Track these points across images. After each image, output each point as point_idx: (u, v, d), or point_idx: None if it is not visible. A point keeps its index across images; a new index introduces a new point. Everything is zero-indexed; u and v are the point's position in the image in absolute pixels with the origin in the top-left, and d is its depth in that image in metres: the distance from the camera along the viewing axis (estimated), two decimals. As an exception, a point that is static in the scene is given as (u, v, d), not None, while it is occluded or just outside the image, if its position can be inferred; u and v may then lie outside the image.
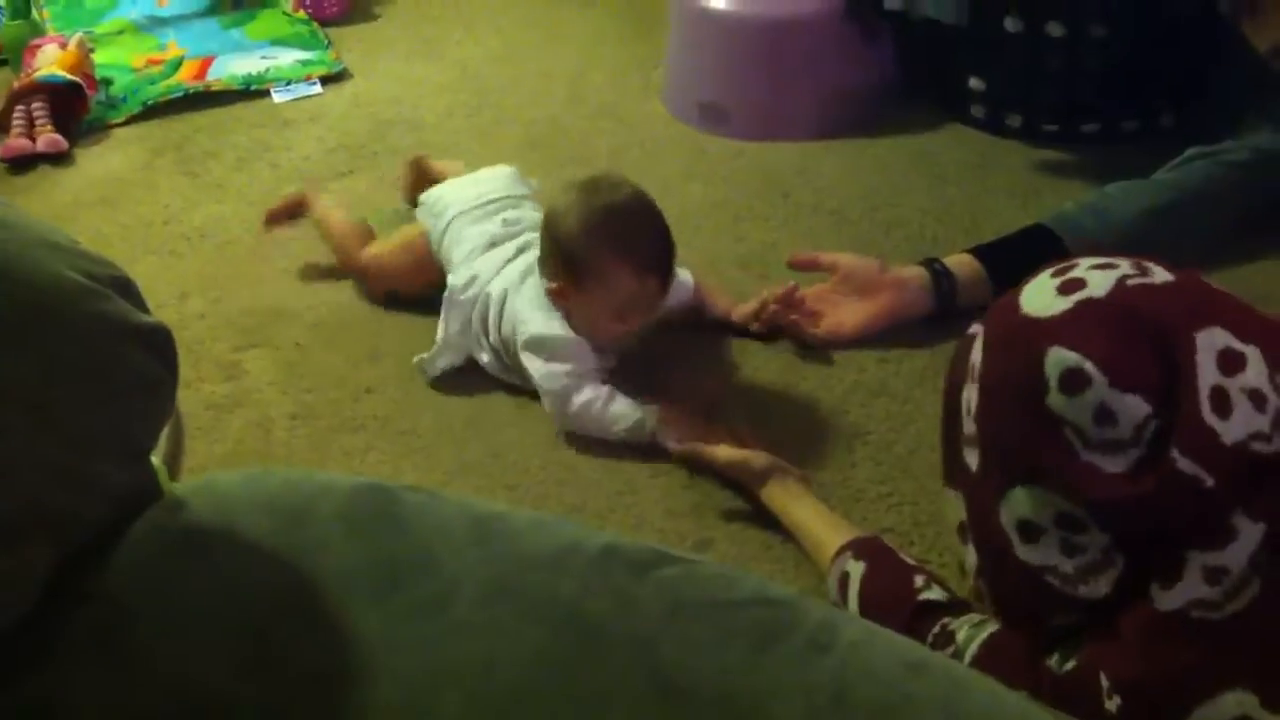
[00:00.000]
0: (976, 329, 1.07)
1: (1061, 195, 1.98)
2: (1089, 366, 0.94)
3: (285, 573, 0.75)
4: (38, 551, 0.71)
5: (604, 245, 1.54)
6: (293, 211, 1.97)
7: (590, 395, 1.58)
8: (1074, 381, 0.94)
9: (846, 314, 1.72)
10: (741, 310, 1.74)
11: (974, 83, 2.18)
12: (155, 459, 1.51)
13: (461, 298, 1.67)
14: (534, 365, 1.61)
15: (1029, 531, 1.00)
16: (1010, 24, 2.08)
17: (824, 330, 1.72)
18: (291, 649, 0.72)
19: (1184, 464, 0.92)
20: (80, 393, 0.73)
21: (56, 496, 0.71)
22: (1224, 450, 0.92)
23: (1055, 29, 2.05)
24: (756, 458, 1.48)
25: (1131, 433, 0.93)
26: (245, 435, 1.65)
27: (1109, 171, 1.90)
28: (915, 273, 1.73)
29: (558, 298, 1.59)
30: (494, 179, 1.82)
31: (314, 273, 1.94)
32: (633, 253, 1.54)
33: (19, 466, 0.69)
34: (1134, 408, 0.93)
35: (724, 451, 1.50)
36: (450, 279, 1.69)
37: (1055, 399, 0.95)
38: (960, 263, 1.74)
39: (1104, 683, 0.99)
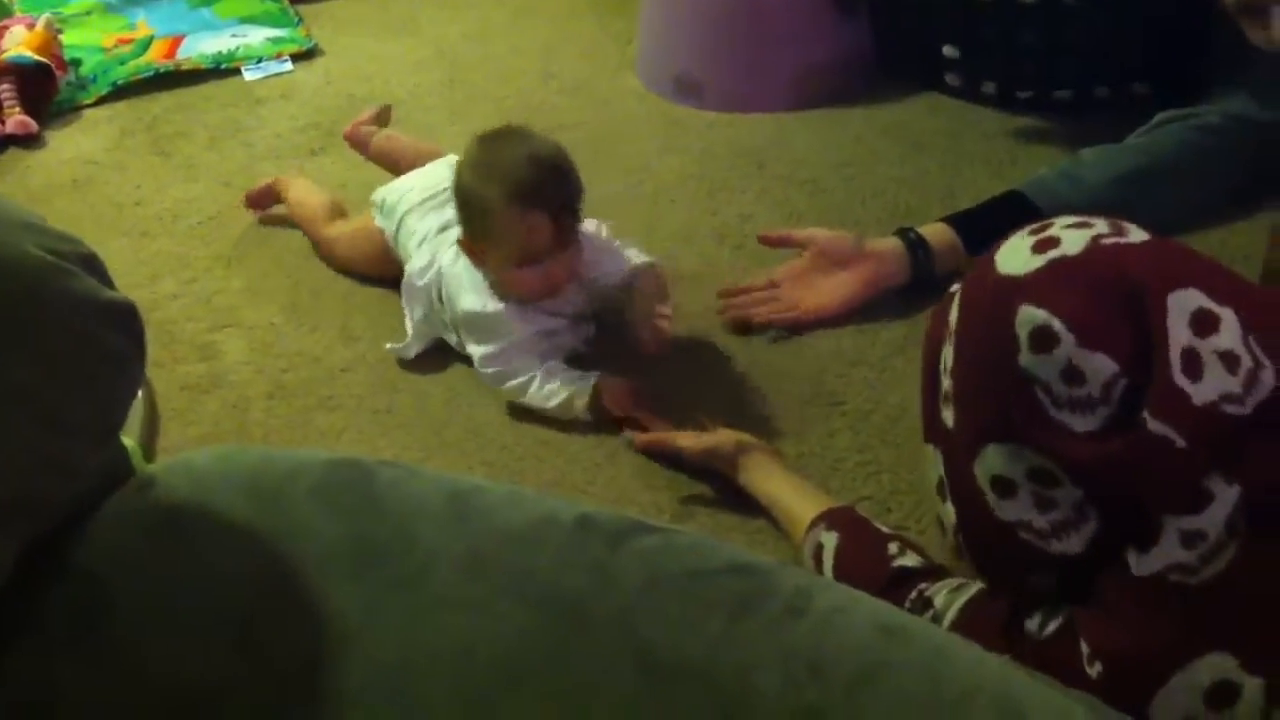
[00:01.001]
0: (956, 288, 1.07)
1: (1037, 162, 1.98)
2: (1057, 324, 0.94)
3: (262, 552, 0.75)
4: (12, 534, 0.70)
5: (486, 186, 1.53)
6: (270, 196, 1.98)
7: (524, 379, 1.58)
8: (1042, 339, 0.94)
9: (827, 290, 1.71)
10: (645, 341, 1.60)
11: (948, 51, 2.18)
12: (130, 441, 1.51)
13: (419, 284, 1.67)
14: (470, 347, 1.62)
15: (1003, 487, 1.00)
16: (985, -8, 2.08)
17: (807, 310, 1.71)
18: (272, 631, 0.72)
19: (1154, 425, 0.92)
20: (47, 370, 0.72)
21: (26, 475, 0.71)
22: (1194, 411, 0.92)
23: (1029, -3, 2.05)
24: (722, 441, 1.47)
25: (1100, 391, 0.93)
26: (221, 416, 1.64)
27: (1084, 138, 1.89)
28: (891, 243, 1.73)
29: (468, 253, 1.59)
30: (441, 171, 1.80)
31: (287, 251, 1.93)
32: (512, 189, 1.52)
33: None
34: (1101, 366, 0.93)
35: (687, 439, 1.49)
36: (407, 266, 1.69)
37: (1025, 357, 0.95)
38: (935, 231, 1.74)
39: (1084, 649, 0.99)
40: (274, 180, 1.99)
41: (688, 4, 2.24)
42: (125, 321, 0.79)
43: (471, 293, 1.60)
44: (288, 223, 1.96)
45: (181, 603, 0.73)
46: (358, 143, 2.00)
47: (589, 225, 1.63)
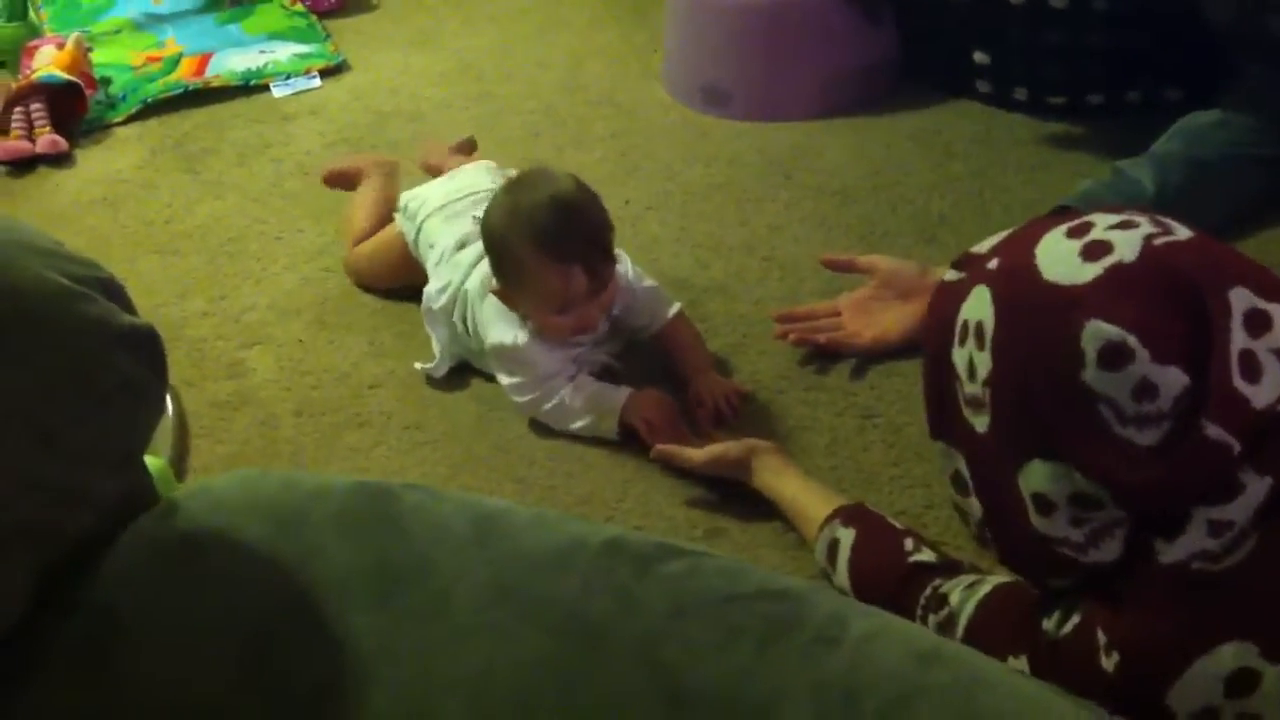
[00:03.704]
0: (955, 276, 1.04)
1: (1069, 168, 1.96)
2: (1132, 340, 0.89)
3: (281, 579, 0.74)
4: (20, 563, 0.69)
5: (523, 241, 1.52)
6: (348, 179, 1.97)
7: (554, 401, 1.57)
8: (1114, 356, 0.90)
9: (888, 322, 1.67)
10: (699, 395, 1.59)
11: (979, 57, 2.16)
12: (160, 460, 1.51)
13: (436, 307, 1.66)
14: (500, 377, 1.61)
15: (1043, 505, 0.98)
16: (1013, -4, 2.06)
17: (871, 339, 1.66)
18: (288, 660, 0.71)
19: (1213, 431, 0.89)
20: (61, 398, 0.72)
21: (38, 504, 0.70)
22: (1254, 415, 0.90)
23: (1059, 2, 2.03)
24: (730, 448, 1.46)
25: (1170, 405, 0.90)
26: (251, 434, 1.64)
27: (1117, 144, 1.87)
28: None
29: (502, 299, 1.58)
30: (466, 175, 1.80)
31: (315, 268, 1.93)
32: (549, 244, 1.51)
33: (-3, 475, 0.68)
34: (1175, 380, 0.90)
35: (696, 452, 1.48)
36: (425, 289, 1.69)
37: (1092, 374, 0.91)
38: None
39: (1100, 640, 0.97)
40: (359, 169, 1.96)
41: (714, 14, 2.23)
42: (144, 347, 0.78)
43: (501, 325, 1.59)
44: (316, 240, 1.96)
45: (195, 630, 0.73)
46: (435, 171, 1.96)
47: (619, 265, 1.61)
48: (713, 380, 1.60)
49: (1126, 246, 0.94)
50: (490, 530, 0.77)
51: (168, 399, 1.56)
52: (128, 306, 0.79)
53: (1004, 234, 1.08)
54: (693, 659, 0.70)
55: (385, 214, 1.86)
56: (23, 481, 0.70)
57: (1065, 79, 2.11)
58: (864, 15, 2.21)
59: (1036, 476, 0.97)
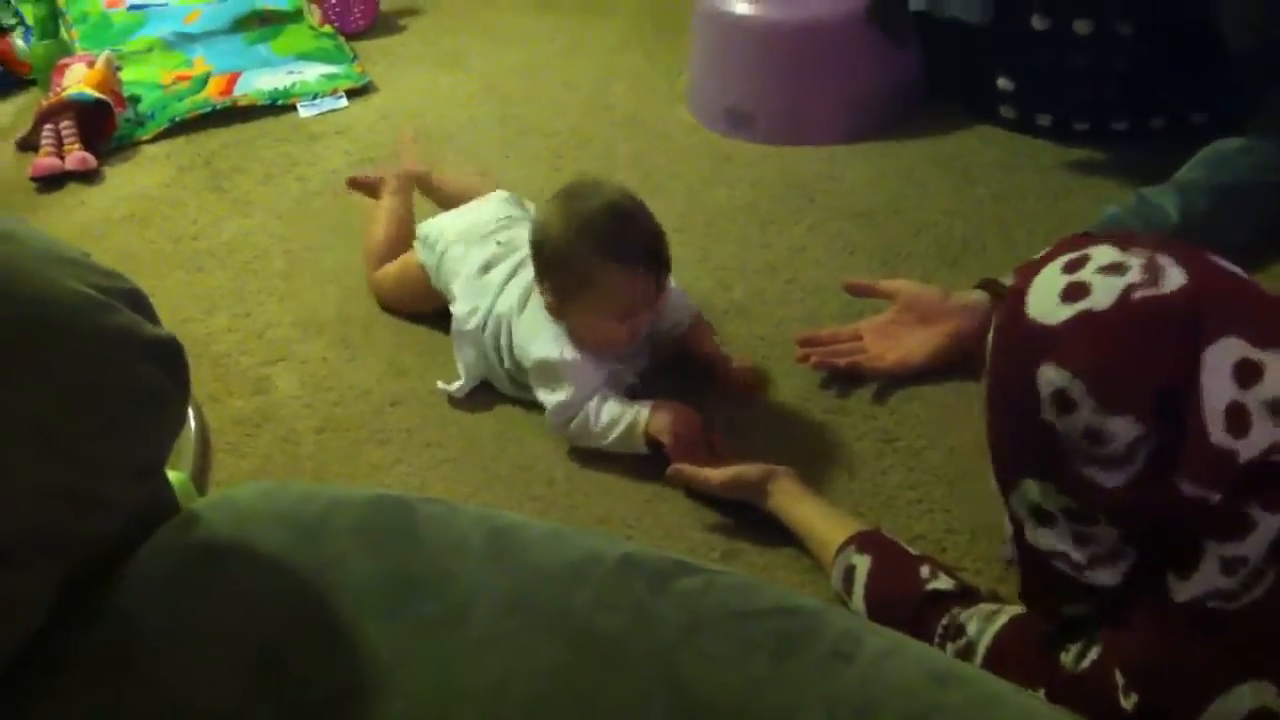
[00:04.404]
0: (979, 297, 1.07)
1: (1093, 194, 1.95)
2: (1076, 389, 0.93)
3: (299, 589, 0.74)
4: (42, 571, 0.70)
5: (588, 249, 1.52)
6: (370, 186, 1.98)
7: (587, 418, 1.56)
8: (1063, 401, 0.93)
9: (910, 346, 1.66)
10: (735, 366, 1.66)
11: (1003, 82, 2.16)
12: (182, 475, 1.52)
13: (466, 329, 1.67)
14: (541, 394, 1.60)
15: (1042, 516, 0.99)
16: (1038, 22, 2.06)
17: (893, 363, 1.66)
18: (304, 668, 0.71)
19: (1188, 488, 0.90)
20: (82, 407, 0.72)
21: (59, 514, 0.71)
22: (1239, 469, 0.90)
23: (1083, 26, 2.03)
24: (747, 470, 1.46)
25: (1125, 450, 0.92)
26: (273, 450, 1.65)
27: (1141, 170, 1.87)
28: (979, 296, 1.66)
29: (555, 313, 1.58)
30: (487, 206, 1.81)
31: (338, 286, 1.94)
32: (616, 250, 1.52)
33: (18, 483, 0.69)
34: (1123, 429, 0.92)
35: (713, 473, 1.47)
36: (453, 309, 1.69)
37: (1049, 414, 0.94)
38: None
39: (1119, 680, 0.97)
40: (382, 180, 1.97)
41: (738, 37, 2.24)
42: (168, 358, 0.79)
43: (546, 341, 1.59)
44: (339, 258, 1.97)
45: (213, 637, 0.73)
46: (428, 189, 1.98)
47: None
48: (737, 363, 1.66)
49: (1103, 293, 0.95)
50: (507, 543, 0.78)
51: (190, 413, 1.58)
52: (152, 318, 0.80)
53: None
54: (707, 672, 0.70)
55: (403, 233, 1.88)
56: (43, 488, 0.70)
57: (1089, 105, 2.11)
58: (888, 40, 2.21)
59: (1031, 492, 0.99)
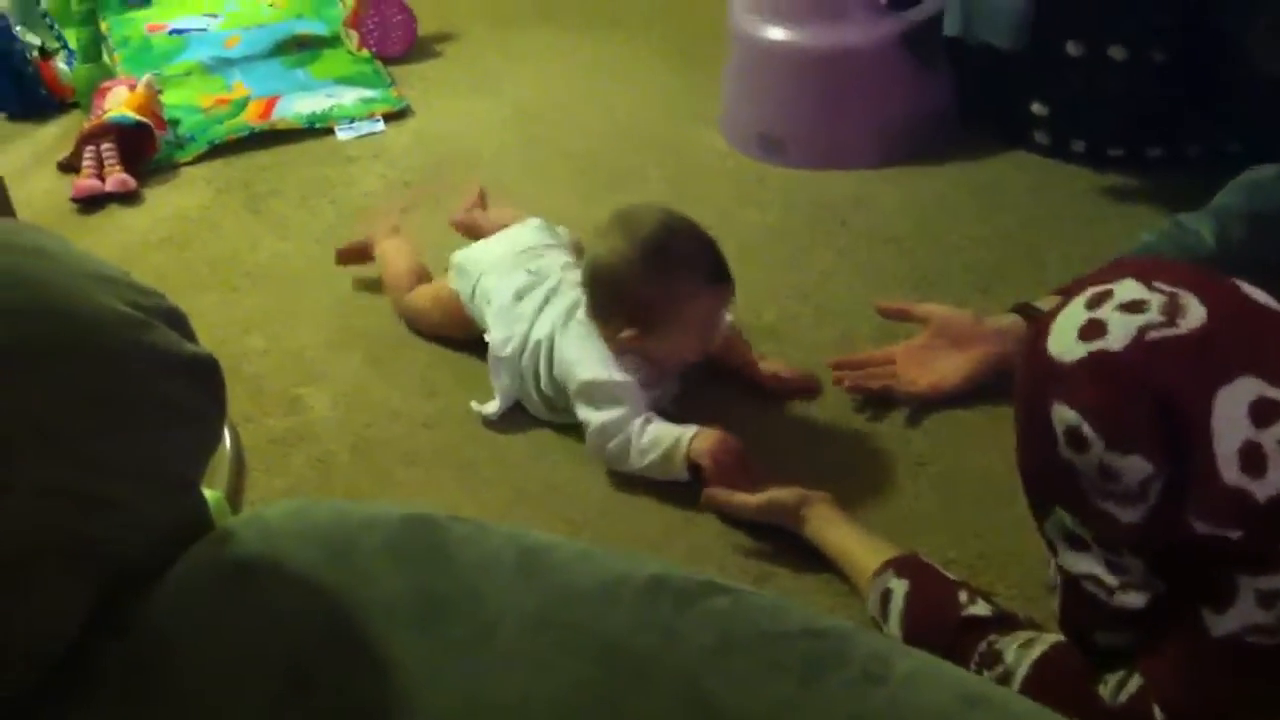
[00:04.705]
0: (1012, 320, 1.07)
1: (1127, 221, 1.95)
2: (1086, 428, 0.94)
3: (329, 605, 0.75)
4: (74, 585, 0.71)
5: (671, 277, 1.54)
6: (362, 253, 2.00)
7: (628, 440, 1.56)
8: (1075, 439, 0.95)
9: (943, 370, 1.66)
10: (766, 367, 1.71)
11: (1036, 108, 2.16)
12: (217, 493, 1.53)
13: (504, 354, 1.67)
14: (585, 414, 1.59)
15: (1074, 541, 1.00)
16: (1072, 48, 2.06)
17: (926, 387, 1.66)
18: (333, 683, 0.72)
19: (1201, 527, 0.90)
20: (117, 423, 0.73)
21: (91, 529, 0.71)
22: (1258, 508, 0.90)
23: (1118, 53, 2.02)
24: (783, 494, 1.45)
25: (1137, 488, 0.93)
26: (306, 469, 1.66)
27: (1176, 197, 1.86)
28: (1011, 321, 1.66)
29: (631, 344, 1.58)
30: (519, 233, 1.82)
31: (371, 308, 1.95)
32: (699, 270, 1.56)
33: (51, 497, 0.69)
34: (1135, 467, 0.93)
35: (748, 498, 1.47)
36: (488, 338, 1.70)
37: (1064, 451, 0.96)
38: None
39: (1159, 715, 0.96)
40: (366, 237, 2.01)
41: (771, 62, 2.25)
42: (205, 376, 0.80)
43: (593, 363, 1.59)
44: (374, 281, 1.99)
45: (243, 653, 0.73)
46: (469, 230, 1.98)
47: None
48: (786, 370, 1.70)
49: (1118, 333, 0.95)
50: (537, 563, 0.78)
51: (225, 431, 1.60)
52: (190, 336, 0.81)
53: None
54: (735, 691, 0.71)
55: (415, 259, 1.92)
56: (76, 502, 0.71)
57: (1124, 131, 2.10)
58: (921, 65, 2.22)
59: (1063, 519, 1.00)
